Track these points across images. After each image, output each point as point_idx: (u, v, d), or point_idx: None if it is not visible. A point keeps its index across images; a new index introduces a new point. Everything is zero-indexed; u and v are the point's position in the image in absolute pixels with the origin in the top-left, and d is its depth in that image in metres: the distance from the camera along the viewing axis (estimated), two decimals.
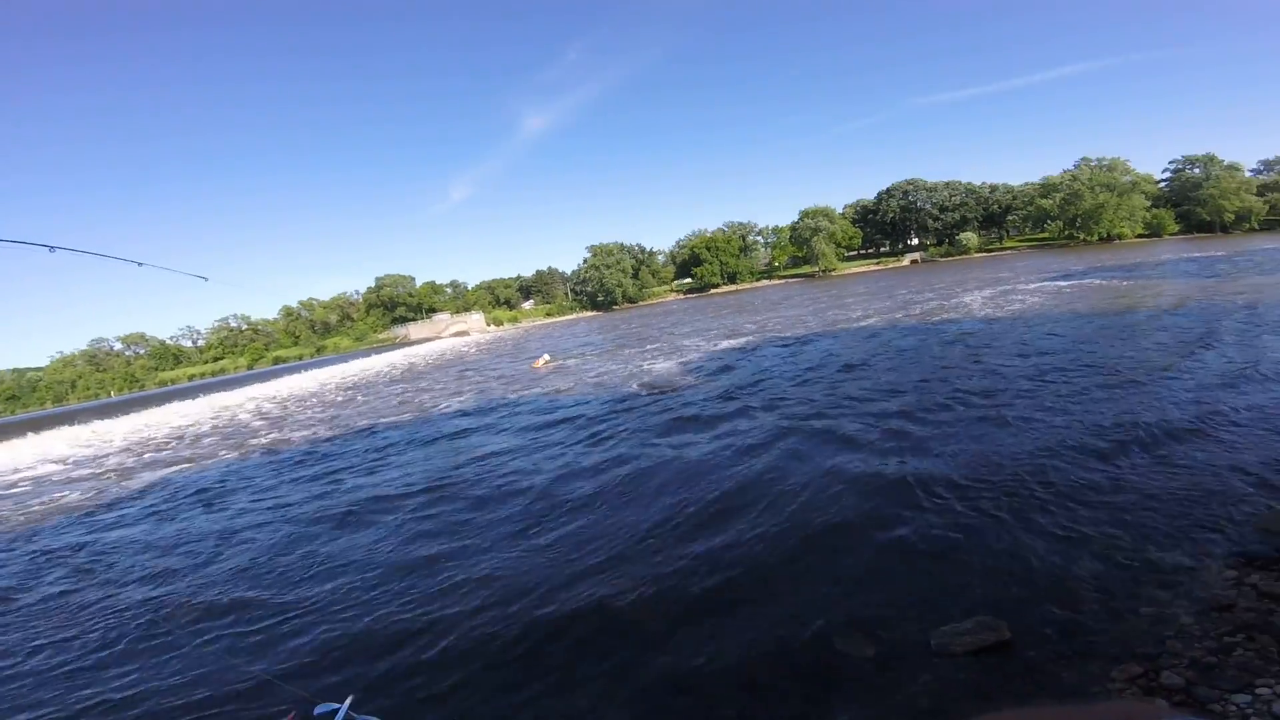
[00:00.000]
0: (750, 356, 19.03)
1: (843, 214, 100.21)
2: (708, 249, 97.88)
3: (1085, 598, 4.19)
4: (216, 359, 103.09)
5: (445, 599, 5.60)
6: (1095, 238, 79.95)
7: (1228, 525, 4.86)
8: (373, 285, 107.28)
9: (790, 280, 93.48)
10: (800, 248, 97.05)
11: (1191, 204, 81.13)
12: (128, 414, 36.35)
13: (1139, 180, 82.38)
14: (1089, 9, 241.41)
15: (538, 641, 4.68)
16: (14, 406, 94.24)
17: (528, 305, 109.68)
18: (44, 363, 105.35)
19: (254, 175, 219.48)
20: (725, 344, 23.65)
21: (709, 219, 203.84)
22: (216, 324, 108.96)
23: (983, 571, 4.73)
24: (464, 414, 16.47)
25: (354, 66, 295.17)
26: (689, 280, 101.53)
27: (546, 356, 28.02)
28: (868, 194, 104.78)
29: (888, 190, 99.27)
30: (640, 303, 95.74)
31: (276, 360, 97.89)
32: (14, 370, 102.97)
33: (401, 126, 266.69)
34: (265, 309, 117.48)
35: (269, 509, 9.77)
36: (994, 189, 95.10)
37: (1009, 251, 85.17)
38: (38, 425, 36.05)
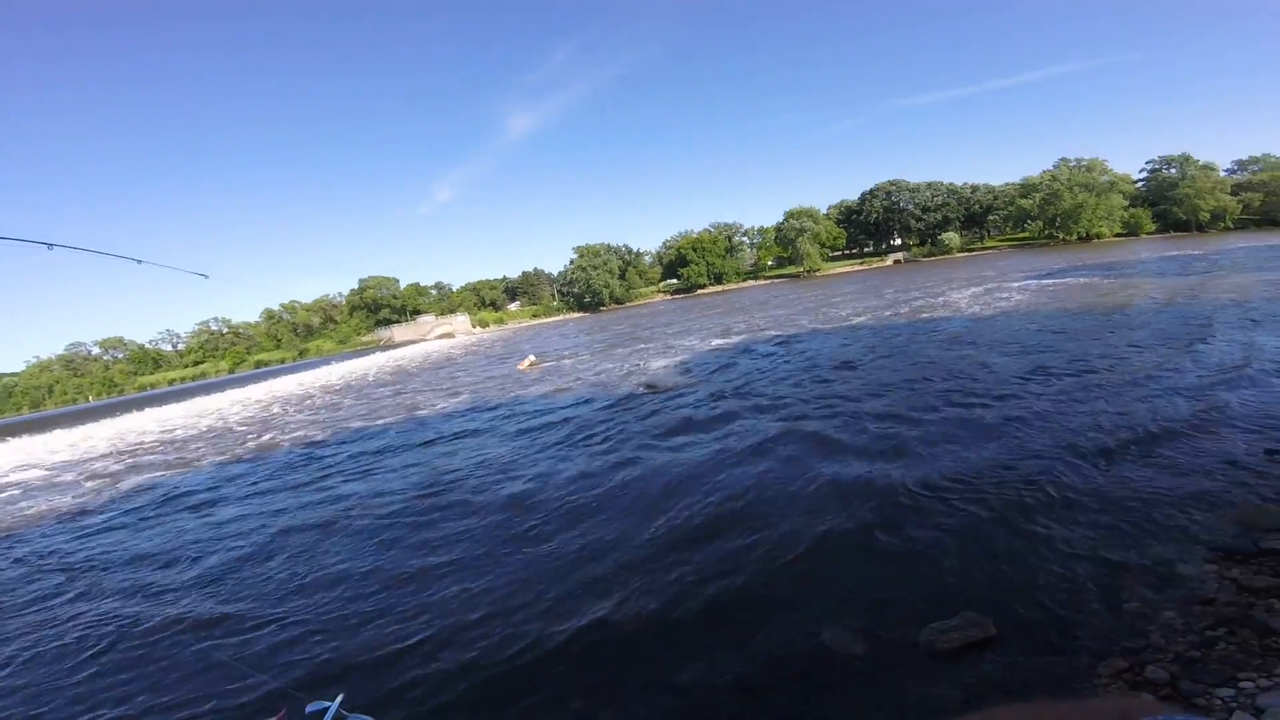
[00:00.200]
0: (742, 356, 19.06)
1: (827, 215, 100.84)
2: (694, 250, 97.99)
3: (1070, 594, 4.26)
4: (197, 363, 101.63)
5: (436, 608, 5.54)
6: (1074, 237, 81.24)
7: (1208, 520, 4.96)
8: (356, 287, 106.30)
9: (776, 281, 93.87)
10: (785, 248, 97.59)
11: (1168, 203, 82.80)
12: (98, 421, 35.63)
13: (1117, 180, 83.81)
14: (1068, 12, 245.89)
15: (531, 644, 4.65)
16: None
17: (514, 307, 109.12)
18: (19, 368, 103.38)
19: (234, 172, 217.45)
20: (716, 343, 23.72)
21: (695, 220, 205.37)
22: (197, 327, 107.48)
23: (969, 569, 4.79)
24: (454, 417, 16.34)
25: (338, 63, 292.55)
26: (675, 281, 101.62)
27: (532, 358, 27.89)
28: (851, 195, 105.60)
29: (871, 191, 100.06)
30: (627, 304, 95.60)
31: (258, 364, 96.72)
32: None
33: (388, 125, 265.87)
34: (247, 311, 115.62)
35: (257, 515, 9.62)
36: (975, 189, 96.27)
37: (990, 251, 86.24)
38: (14, 430, 35.25)
